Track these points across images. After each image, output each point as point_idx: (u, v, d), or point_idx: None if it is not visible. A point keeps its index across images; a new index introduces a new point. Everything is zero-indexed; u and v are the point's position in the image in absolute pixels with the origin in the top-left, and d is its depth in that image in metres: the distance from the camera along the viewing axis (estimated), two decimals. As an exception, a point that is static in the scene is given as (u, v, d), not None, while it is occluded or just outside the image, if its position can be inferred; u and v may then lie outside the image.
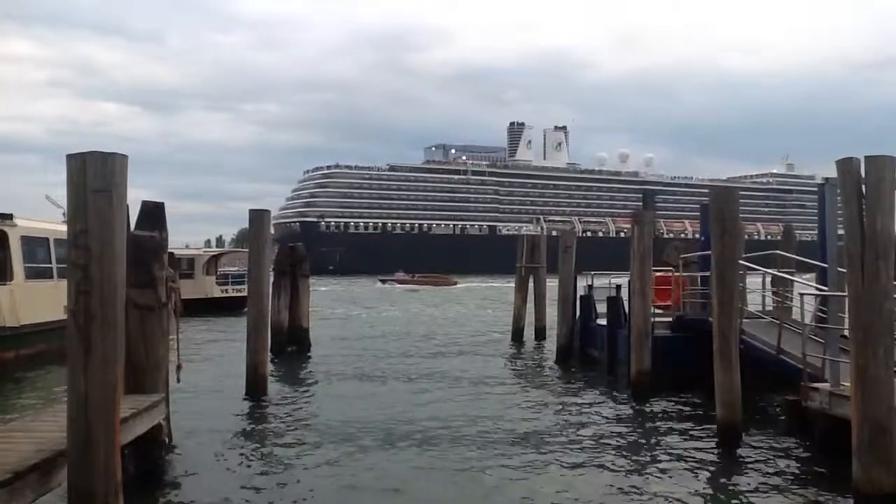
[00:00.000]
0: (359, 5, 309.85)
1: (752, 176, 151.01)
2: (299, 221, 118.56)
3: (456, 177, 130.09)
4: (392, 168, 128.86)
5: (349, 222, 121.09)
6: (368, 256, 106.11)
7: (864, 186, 6.89)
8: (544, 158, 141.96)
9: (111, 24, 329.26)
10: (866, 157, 6.93)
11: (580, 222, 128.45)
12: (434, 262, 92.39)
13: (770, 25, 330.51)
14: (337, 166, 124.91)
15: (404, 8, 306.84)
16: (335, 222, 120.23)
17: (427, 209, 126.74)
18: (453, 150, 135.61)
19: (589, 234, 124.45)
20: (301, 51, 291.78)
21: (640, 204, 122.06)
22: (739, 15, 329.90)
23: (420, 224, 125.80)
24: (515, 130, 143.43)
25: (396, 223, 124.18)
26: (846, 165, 7.11)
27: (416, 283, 65.26)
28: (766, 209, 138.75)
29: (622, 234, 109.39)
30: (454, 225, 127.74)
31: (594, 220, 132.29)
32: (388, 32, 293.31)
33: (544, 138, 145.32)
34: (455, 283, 64.42)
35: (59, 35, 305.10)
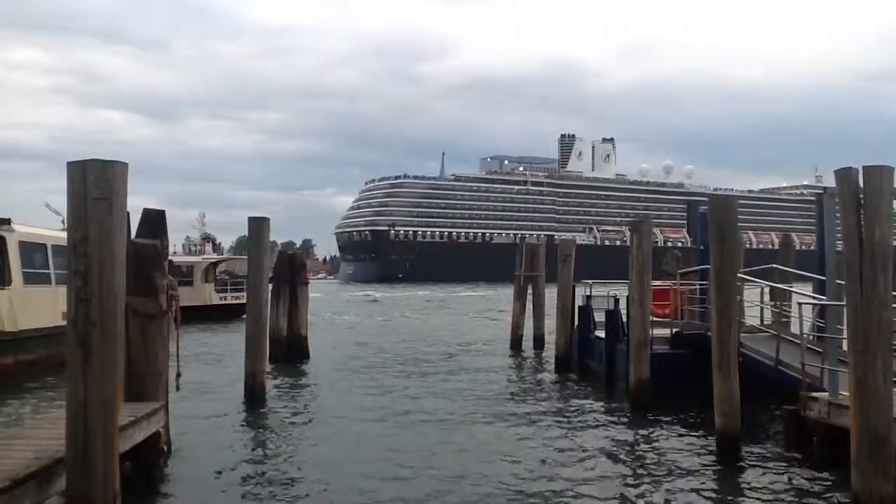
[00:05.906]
0: (362, 15, 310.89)
1: (785, 188, 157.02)
2: (370, 230, 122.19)
3: (516, 187, 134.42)
4: (456, 178, 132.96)
5: (417, 231, 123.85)
6: (436, 265, 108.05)
7: (862, 196, 6.90)
8: (592, 169, 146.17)
9: (117, 32, 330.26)
10: (864, 167, 6.91)
11: (630, 232, 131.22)
12: (495, 270, 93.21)
13: (775, 36, 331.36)
14: (405, 176, 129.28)
15: (408, 18, 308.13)
16: (404, 231, 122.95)
17: (489, 218, 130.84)
18: (506, 161, 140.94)
19: None
20: (305, 59, 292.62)
21: (685, 214, 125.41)
22: (744, 25, 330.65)
23: (483, 233, 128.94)
24: (567, 142, 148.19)
25: (461, 232, 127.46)
26: (844, 175, 7.09)
27: None
28: (800, 220, 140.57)
29: (668, 244, 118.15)
30: (514, 234, 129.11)
31: None
32: (392, 42, 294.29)
33: (593, 150, 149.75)
34: None
35: (63, 42, 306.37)
